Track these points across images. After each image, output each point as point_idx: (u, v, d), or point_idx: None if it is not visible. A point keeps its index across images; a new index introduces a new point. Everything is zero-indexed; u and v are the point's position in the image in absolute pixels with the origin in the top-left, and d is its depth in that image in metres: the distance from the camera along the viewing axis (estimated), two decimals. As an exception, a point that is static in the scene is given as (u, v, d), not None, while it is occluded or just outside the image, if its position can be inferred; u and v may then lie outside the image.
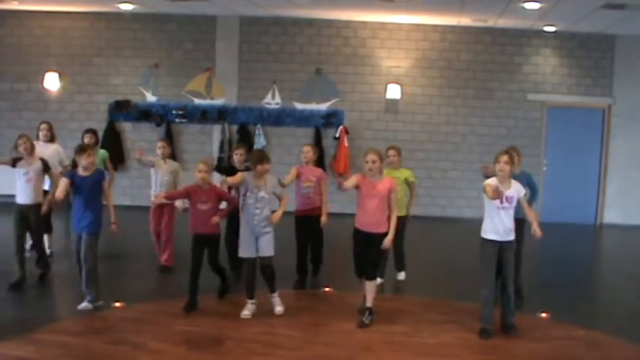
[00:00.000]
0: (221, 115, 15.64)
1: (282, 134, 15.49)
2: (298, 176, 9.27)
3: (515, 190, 7.48)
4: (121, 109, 15.63)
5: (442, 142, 15.71)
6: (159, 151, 9.93)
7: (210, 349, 6.79)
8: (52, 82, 15.37)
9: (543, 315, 8.36)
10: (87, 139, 10.24)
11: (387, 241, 7.60)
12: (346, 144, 15.27)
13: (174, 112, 15.62)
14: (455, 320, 8.04)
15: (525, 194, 7.73)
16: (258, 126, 15.55)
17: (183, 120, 15.68)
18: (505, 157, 7.35)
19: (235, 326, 7.44)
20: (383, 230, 7.60)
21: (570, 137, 15.53)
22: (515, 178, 7.74)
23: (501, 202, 7.34)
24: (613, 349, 7.31)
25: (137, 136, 15.56)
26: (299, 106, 15.67)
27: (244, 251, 7.89)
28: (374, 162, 7.53)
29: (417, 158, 14.92)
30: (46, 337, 6.92)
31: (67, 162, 10.10)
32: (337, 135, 15.37)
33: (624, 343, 7.46)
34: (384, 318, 7.69)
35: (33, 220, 8.89)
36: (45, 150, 9.86)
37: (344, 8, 14.26)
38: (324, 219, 9.21)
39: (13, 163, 8.89)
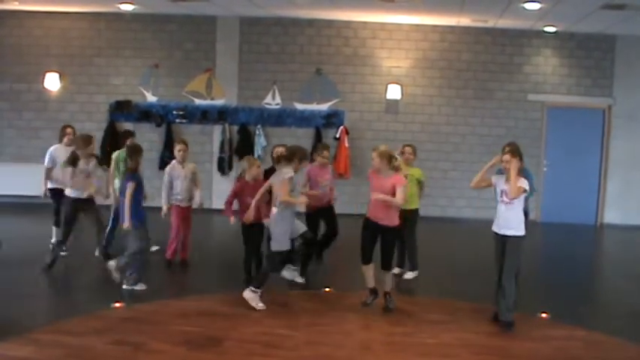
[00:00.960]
0: (221, 115, 15.64)
1: (282, 135, 15.48)
2: (312, 177, 9.69)
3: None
4: (121, 110, 15.63)
5: (442, 142, 15.72)
6: (178, 155, 10.02)
7: (210, 349, 6.79)
8: (52, 82, 15.36)
9: (543, 315, 8.37)
10: (129, 141, 10.61)
11: (377, 197, 7.96)
12: (347, 144, 15.28)
13: (174, 112, 15.63)
14: (455, 320, 8.05)
15: (527, 191, 7.80)
16: (259, 126, 15.56)
17: (184, 120, 15.68)
18: (506, 156, 7.84)
19: (235, 326, 7.45)
20: (393, 224, 8.10)
21: (570, 138, 15.54)
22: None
23: (501, 197, 7.85)
24: (613, 350, 7.31)
25: (138, 137, 15.35)
26: (299, 106, 15.68)
27: (285, 244, 8.32)
28: (372, 159, 8.10)
29: (418, 158, 14.82)
30: (46, 337, 6.92)
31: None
32: (338, 135, 15.37)
33: (624, 343, 7.47)
34: (384, 318, 7.70)
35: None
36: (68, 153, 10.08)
37: (344, 8, 14.26)
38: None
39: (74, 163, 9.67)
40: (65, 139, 10.58)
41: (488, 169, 8.24)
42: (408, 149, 10.01)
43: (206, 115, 15.66)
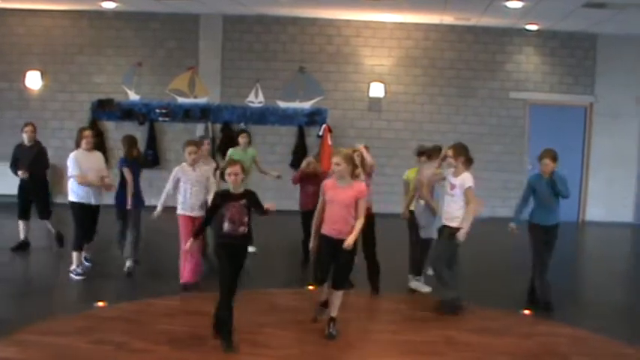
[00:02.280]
0: (204, 113, 15.60)
1: (265, 133, 15.47)
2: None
3: (460, 180, 8.20)
4: (103, 108, 15.56)
5: (425, 140, 15.61)
6: (189, 158, 8.77)
7: (194, 348, 6.76)
8: (33, 80, 15.27)
9: (527, 312, 8.40)
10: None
11: (348, 242, 7.02)
12: (330, 142, 15.24)
13: (157, 110, 15.57)
14: (438, 318, 8.07)
15: (470, 187, 8.16)
16: (242, 124, 15.52)
17: (167, 119, 15.63)
18: (450, 151, 8.39)
19: (219, 325, 7.43)
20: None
21: (553, 135, 15.56)
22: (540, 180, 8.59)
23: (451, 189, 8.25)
24: (596, 346, 7.36)
25: (120, 135, 15.42)
26: (282, 104, 15.66)
27: (433, 233, 8.78)
28: (338, 165, 7.10)
29: (401, 156, 14.89)
30: (29, 337, 6.87)
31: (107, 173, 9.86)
32: (321, 133, 15.36)
33: (607, 339, 7.51)
34: (369, 316, 7.72)
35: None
36: (91, 158, 9.65)
37: (327, 6, 14.26)
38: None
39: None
40: (83, 144, 9.53)
41: (440, 164, 8.65)
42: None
43: (189, 114, 15.61)
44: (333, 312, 7.29)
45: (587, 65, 15.69)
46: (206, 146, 10.01)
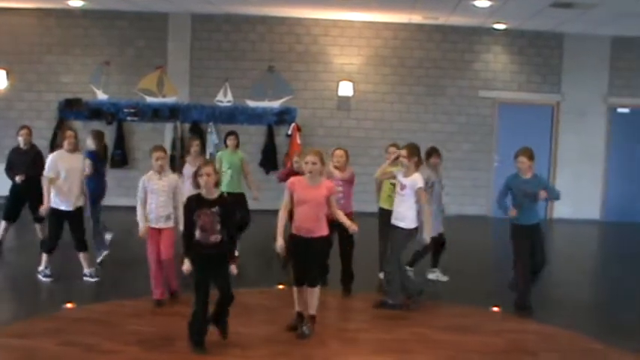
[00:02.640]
0: (173, 113, 15.52)
1: (235, 132, 15.42)
2: None
3: (411, 180, 8.23)
4: (71, 108, 15.42)
5: (395, 138, 15.53)
6: (155, 164, 8.11)
7: (163, 348, 6.74)
8: (-1, 80, 15.10)
9: (495, 309, 8.47)
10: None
11: (353, 228, 7.38)
12: (299, 141, 15.24)
13: (125, 110, 15.46)
14: (409, 316, 8.10)
15: (421, 188, 8.23)
16: (211, 124, 15.47)
17: (135, 118, 15.52)
18: (403, 151, 8.38)
19: (187, 325, 7.38)
20: (322, 234, 7.22)
21: (521, 133, 15.66)
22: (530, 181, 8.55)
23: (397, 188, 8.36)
24: (564, 342, 7.43)
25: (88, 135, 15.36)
26: (251, 103, 15.63)
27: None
28: (314, 164, 7.07)
29: (371, 155, 14.93)
30: (-4, 339, 6.81)
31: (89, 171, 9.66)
32: (290, 132, 15.35)
33: (575, 335, 7.60)
34: (339, 314, 7.72)
35: None
36: (73, 160, 9.21)
37: (296, 5, 14.26)
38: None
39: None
40: (66, 144, 9.09)
41: (390, 163, 8.76)
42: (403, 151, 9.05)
43: (157, 113, 15.52)
44: (313, 309, 7.30)
45: (554, 64, 15.84)
46: (195, 147, 9.94)
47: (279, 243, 7.14)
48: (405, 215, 8.26)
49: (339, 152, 8.98)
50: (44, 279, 9.14)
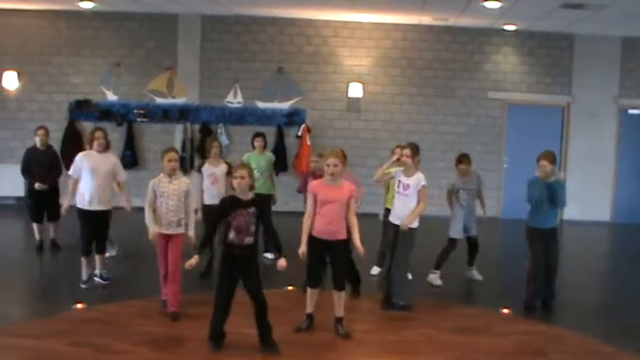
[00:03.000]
0: (183, 114, 15.55)
1: (244, 133, 15.40)
2: None
3: (414, 180, 8.35)
4: (81, 109, 15.47)
5: (404, 140, 15.60)
6: (167, 165, 7.85)
7: (173, 349, 6.76)
8: (10, 81, 15.14)
9: (505, 311, 8.45)
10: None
11: (359, 247, 7.21)
12: (308, 143, 15.25)
13: (135, 111, 15.50)
14: (416, 317, 8.10)
15: (425, 186, 8.39)
16: (221, 125, 15.50)
17: (145, 119, 15.56)
18: (407, 150, 8.40)
19: (197, 326, 7.38)
20: (343, 236, 7.26)
21: (531, 135, 15.68)
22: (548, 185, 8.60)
23: (398, 188, 8.39)
24: (573, 344, 7.41)
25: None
26: (261, 104, 15.65)
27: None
28: (335, 165, 7.13)
29: (379, 156, 14.89)
30: (6, 340, 6.83)
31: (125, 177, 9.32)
32: (299, 134, 15.36)
33: (584, 337, 7.58)
34: (346, 315, 7.69)
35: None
36: (102, 160, 8.91)
37: (306, 7, 14.27)
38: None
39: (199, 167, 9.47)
40: (96, 145, 8.85)
41: (390, 164, 8.59)
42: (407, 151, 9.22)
43: (167, 114, 15.56)
44: (339, 312, 7.36)
45: (565, 65, 15.80)
46: (215, 149, 9.67)
47: (302, 250, 7.13)
48: (407, 214, 8.31)
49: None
50: (101, 281, 8.99)
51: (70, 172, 8.91)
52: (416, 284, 9.42)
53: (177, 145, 15.45)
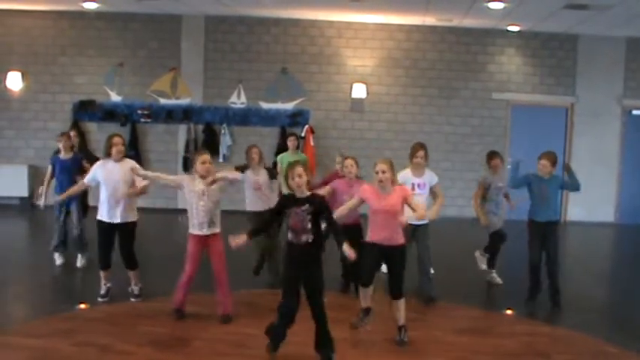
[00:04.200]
0: (186, 114, 15.57)
1: (248, 134, 15.45)
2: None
3: (427, 178, 8.72)
4: (85, 109, 15.49)
5: (408, 140, 15.58)
6: (202, 168, 7.71)
7: (177, 349, 6.76)
8: (14, 81, 15.18)
9: (508, 312, 8.45)
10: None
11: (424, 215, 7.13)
12: (312, 143, 15.27)
13: (139, 111, 15.52)
14: (421, 318, 8.09)
15: (438, 182, 8.78)
16: (224, 125, 15.51)
17: (149, 120, 15.58)
18: (422, 152, 8.86)
19: (201, 326, 7.41)
20: (401, 242, 7.14)
21: (535, 135, 15.67)
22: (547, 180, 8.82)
23: (413, 190, 8.33)
24: (577, 344, 7.40)
25: (102, 137, 15.37)
26: (265, 105, 15.66)
27: None
28: (384, 172, 6.95)
29: (383, 157, 14.87)
30: (10, 340, 6.84)
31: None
32: (303, 134, 15.35)
33: (588, 338, 7.57)
34: (350, 316, 7.69)
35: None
36: (118, 170, 8.29)
37: (310, 7, 14.27)
38: None
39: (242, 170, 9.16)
40: (114, 152, 8.24)
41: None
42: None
43: (171, 115, 15.57)
44: (401, 320, 7.23)
45: (568, 66, 15.79)
46: (254, 155, 9.23)
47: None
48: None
49: (349, 161, 8.77)
50: (98, 299, 8.38)
51: (85, 180, 8.48)
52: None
53: (181, 145, 15.48)
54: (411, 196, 7.19)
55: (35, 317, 7.66)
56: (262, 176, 9.23)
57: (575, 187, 9.01)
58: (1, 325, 7.24)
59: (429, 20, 15.05)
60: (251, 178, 9.16)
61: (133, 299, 8.43)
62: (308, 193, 6.47)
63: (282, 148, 15.27)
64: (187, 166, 15.38)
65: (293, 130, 11.81)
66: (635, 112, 15.96)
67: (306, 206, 6.38)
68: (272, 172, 9.37)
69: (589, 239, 14.59)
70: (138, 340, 6.97)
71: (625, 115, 15.91)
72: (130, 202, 8.29)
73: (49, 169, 9.89)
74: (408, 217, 7.40)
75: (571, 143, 15.86)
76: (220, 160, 15.01)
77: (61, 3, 14.65)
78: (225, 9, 14.64)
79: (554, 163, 8.78)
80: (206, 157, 7.71)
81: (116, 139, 8.24)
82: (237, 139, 15.54)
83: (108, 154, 8.25)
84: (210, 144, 15.35)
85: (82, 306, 8.01)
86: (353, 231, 7.91)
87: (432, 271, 9.10)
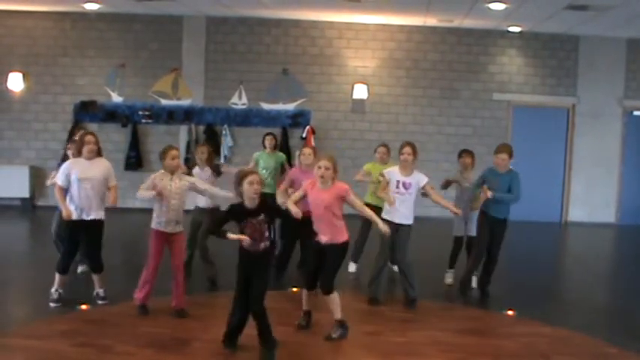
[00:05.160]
0: (188, 115, 15.58)
1: (249, 134, 15.46)
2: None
3: (415, 178, 8.55)
4: (86, 110, 15.51)
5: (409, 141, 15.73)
6: (169, 164, 7.67)
7: (177, 350, 6.75)
8: (15, 82, 15.19)
9: (510, 312, 8.44)
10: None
11: (383, 228, 7.36)
12: (313, 144, 15.26)
13: (140, 112, 15.53)
14: (421, 319, 8.09)
15: (428, 183, 8.63)
16: (225, 126, 15.52)
17: (150, 121, 15.59)
18: (408, 149, 8.71)
19: (201, 327, 7.40)
20: (341, 240, 7.11)
21: (536, 136, 15.69)
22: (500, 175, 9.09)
23: (397, 187, 8.43)
24: (578, 345, 7.39)
25: (103, 137, 15.28)
26: (266, 106, 15.66)
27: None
28: (327, 169, 6.96)
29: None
30: (10, 341, 6.83)
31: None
32: (304, 135, 15.37)
33: (588, 339, 7.55)
34: (351, 317, 7.69)
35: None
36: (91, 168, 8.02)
37: (311, 8, 14.27)
38: None
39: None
40: (85, 151, 7.97)
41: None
42: (382, 149, 10.22)
43: (172, 116, 15.59)
44: (336, 315, 7.23)
45: (570, 66, 15.80)
46: (201, 155, 9.49)
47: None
48: (410, 213, 8.46)
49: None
50: (50, 303, 8.10)
51: (59, 181, 8.00)
52: (419, 286, 9.44)
53: (182, 146, 15.48)
54: (350, 195, 7.04)
55: (35, 318, 7.66)
56: (206, 173, 9.38)
57: (513, 199, 9.06)
58: (2, 327, 7.24)
59: (430, 21, 15.05)
60: (200, 176, 9.22)
61: (100, 302, 8.24)
62: (257, 202, 6.48)
63: (283, 148, 15.32)
64: (189, 166, 15.36)
65: (271, 131, 11.79)
66: (636, 112, 15.96)
67: (262, 216, 6.46)
68: (218, 170, 9.56)
69: (590, 240, 14.58)
70: (138, 341, 6.97)
71: (626, 115, 15.91)
72: (99, 201, 8.06)
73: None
74: (389, 214, 8.14)
75: (572, 144, 15.86)
76: (222, 161, 15.00)
77: (62, 4, 14.67)
78: (226, 10, 14.66)
79: (511, 155, 9.14)
80: (175, 152, 7.71)
81: (88, 137, 8.01)
82: (238, 139, 15.56)
83: (79, 153, 8.01)
84: (212, 145, 15.31)
85: (83, 307, 7.99)
86: (309, 221, 7.42)
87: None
